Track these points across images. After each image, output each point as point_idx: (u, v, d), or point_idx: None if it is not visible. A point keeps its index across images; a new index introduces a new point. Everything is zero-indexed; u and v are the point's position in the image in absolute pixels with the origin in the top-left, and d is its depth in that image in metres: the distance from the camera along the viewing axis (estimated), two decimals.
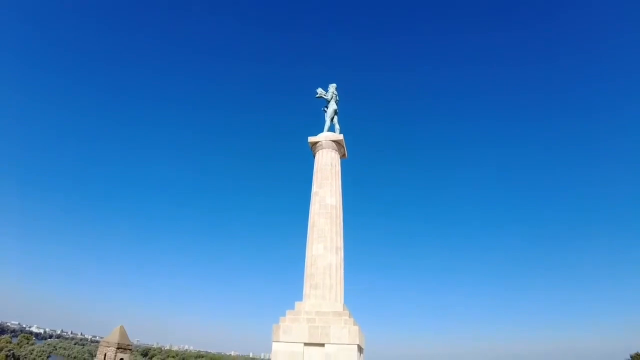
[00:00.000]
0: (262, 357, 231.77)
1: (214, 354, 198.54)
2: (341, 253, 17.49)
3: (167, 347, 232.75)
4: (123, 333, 27.04)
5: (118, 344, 26.21)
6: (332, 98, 21.04)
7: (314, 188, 18.73)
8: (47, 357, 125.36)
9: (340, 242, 17.61)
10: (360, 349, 15.42)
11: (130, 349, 27.30)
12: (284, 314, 16.23)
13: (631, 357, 48.62)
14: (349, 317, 15.71)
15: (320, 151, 19.57)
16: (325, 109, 21.05)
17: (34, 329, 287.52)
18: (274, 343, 15.29)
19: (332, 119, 20.76)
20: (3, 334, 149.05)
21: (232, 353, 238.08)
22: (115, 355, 26.16)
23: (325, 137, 19.76)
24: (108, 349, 26.35)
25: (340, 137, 19.81)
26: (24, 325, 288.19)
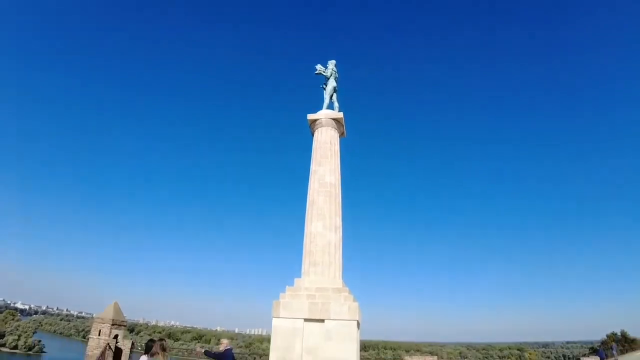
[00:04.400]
0: (247, 332, 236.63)
1: (200, 330, 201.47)
2: (340, 231, 17.72)
3: (154, 323, 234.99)
4: (117, 310, 27.11)
5: (112, 320, 26.26)
6: (331, 75, 20.77)
7: (313, 166, 18.74)
8: (33, 333, 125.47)
9: (339, 221, 17.80)
10: (358, 324, 15.87)
11: (124, 325, 27.45)
12: (283, 290, 16.49)
13: (607, 336, 51.60)
14: (349, 293, 16.08)
15: (319, 129, 19.48)
16: (324, 86, 20.80)
17: (19, 305, 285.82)
18: (273, 319, 15.58)
19: (331, 97, 20.55)
20: None
21: (218, 329, 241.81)
22: (110, 332, 26.25)
23: (324, 114, 19.63)
24: (102, 325, 26.40)
25: (340, 115, 19.71)
26: (8, 302, 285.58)
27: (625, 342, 48.87)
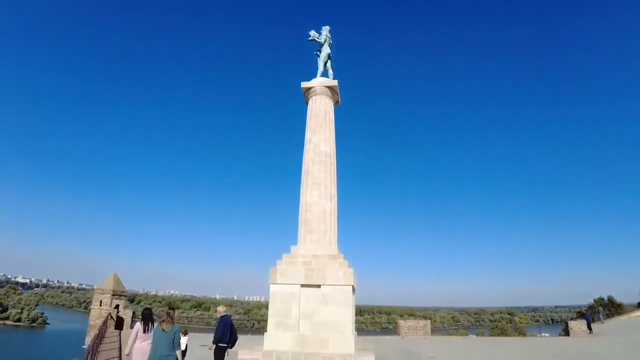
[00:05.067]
0: (246, 299, 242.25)
1: (199, 298, 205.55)
2: (335, 200, 17.82)
3: (153, 293, 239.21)
4: (117, 280, 27.54)
5: (113, 291, 26.75)
6: (325, 41, 20.22)
7: (308, 135, 18.59)
8: (35, 305, 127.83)
9: (334, 190, 17.87)
10: (353, 290, 16.24)
11: (125, 296, 27.98)
12: (280, 258, 16.74)
13: (594, 301, 53.28)
14: (344, 260, 16.37)
15: (313, 97, 19.20)
16: (318, 53, 20.28)
17: (20, 279, 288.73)
18: (271, 285, 15.89)
19: (325, 64, 20.09)
20: None
21: (217, 297, 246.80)
22: (111, 302, 26.77)
23: (319, 82, 19.28)
24: (103, 296, 26.90)
25: (335, 83, 19.37)
26: (9, 276, 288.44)
27: (611, 307, 50.56)
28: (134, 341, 9.08)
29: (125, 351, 9.22)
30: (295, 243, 17.40)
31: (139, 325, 9.30)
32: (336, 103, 20.15)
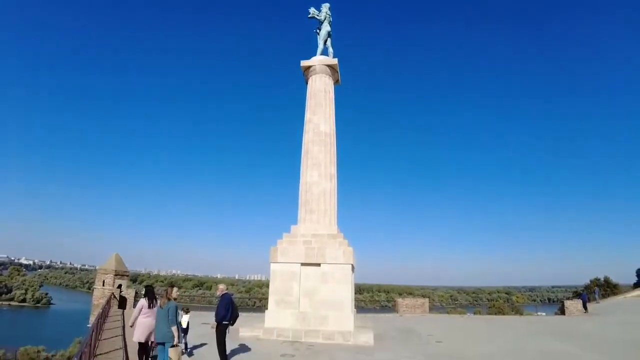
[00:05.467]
0: (247, 278, 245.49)
1: (200, 277, 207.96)
2: (335, 180, 17.84)
3: (155, 273, 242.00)
4: (119, 260, 27.81)
5: (115, 271, 27.02)
6: (325, 19, 19.82)
7: (307, 115, 18.47)
8: (40, 286, 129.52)
9: (333, 170, 17.87)
10: (353, 268, 16.43)
11: (127, 275, 28.28)
12: (281, 237, 16.88)
13: (590, 281, 53.94)
14: (344, 239, 16.52)
15: (313, 76, 18.98)
16: (318, 30, 19.93)
17: (23, 261, 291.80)
18: (272, 264, 16.07)
19: (325, 42, 19.76)
20: None
21: (219, 276, 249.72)
22: (113, 282, 27.08)
23: (318, 61, 19.03)
24: (106, 276, 27.18)
25: (335, 61, 19.11)
26: (12, 258, 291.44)
27: (607, 287, 51.24)
28: (138, 315, 9.33)
29: (129, 323, 9.45)
30: (296, 223, 17.51)
31: (143, 301, 9.53)
32: (336, 82, 19.94)
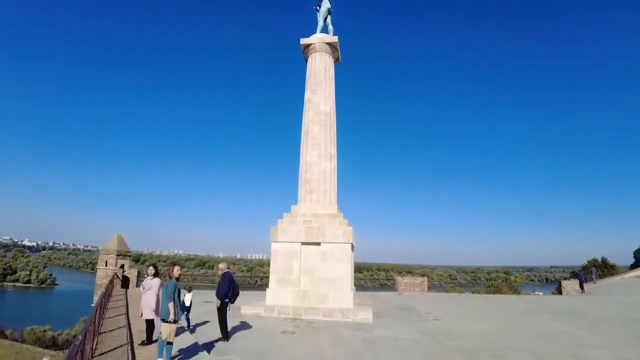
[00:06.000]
0: (248, 257, 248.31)
1: (202, 257, 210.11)
2: (335, 160, 17.80)
3: (158, 253, 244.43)
4: (121, 240, 28.05)
5: (117, 251, 27.29)
6: None
7: (307, 94, 18.28)
8: (44, 267, 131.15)
9: (333, 150, 17.81)
10: (352, 247, 16.57)
11: (129, 255, 28.57)
12: (281, 217, 16.97)
13: (588, 262, 54.41)
14: (343, 218, 16.61)
15: (313, 55, 18.69)
16: (318, 7, 19.48)
17: (26, 243, 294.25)
18: (272, 243, 16.21)
19: (325, 19, 19.35)
20: None
21: (220, 255, 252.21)
22: (116, 262, 27.37)
23: (318, 39, 18.71)
24: (108, 256, 27.47)
25: (335, 39, 18.78)
26: (15, 240, 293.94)
27: (604, 268, 51.76)
28: (143, 292, 9.52)
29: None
30: (296, 203, 17.57)
31: (147, 279, 9.68)
32: (336, 60, 19.66)
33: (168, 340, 7.74)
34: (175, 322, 7.96)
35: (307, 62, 19.16)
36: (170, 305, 7.87)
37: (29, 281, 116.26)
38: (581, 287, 29.69)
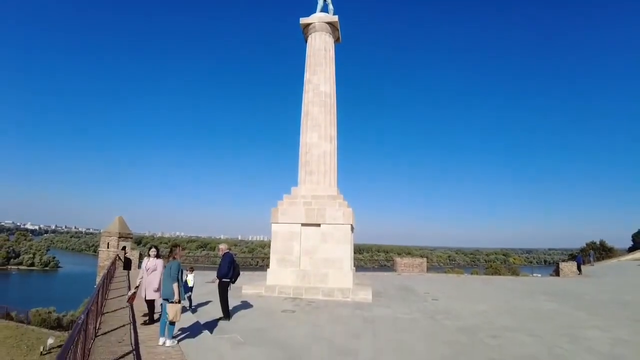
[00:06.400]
0: (249, 239, 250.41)
1: (204, 238, 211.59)
2: (335, 141, 17.73)
3: (159, 235, 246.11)
4: (122, 223, 28.19)
5: (119, 233, 27.44)
6: None
7: (307, 75, 18.07)
8: (47, 250, 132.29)
9: (333, 131, 17.71)
10: (352, 228, 16.65)
11: (131, 237, 28.74)
12: (281, 199, 17.00)
13: (586, 244, 54.74)
14: (343, 200, 16.64)
15: (312, 34, 18.39)
16: None
17: (29, 226, 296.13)
18: (273, 224, 16.30)
19: None
20: None
21: (222, 237, 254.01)
22: (117, 244, 27.55)
23: (318, 18, 18.37)
24: (110, 238, 27.64)
25: (335, 18, 18.45)
26: (18, 224, 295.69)
27: (603, 251, 52.18)
28: (144, 273, 9.60)
29: (136, 282, 9.72)
30: (296, 184, 17.57)
31: (147, 260, 9.76)
32: (337, 40, 19.35)
33: (174, 320, 7.80)
34: (179, 302, 8.02)
35: (306, 42, 18.87)
36: (175, 285, 7.92)
37: (32, 264, 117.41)
38: (579, 269, 29.97)
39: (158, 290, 9.08)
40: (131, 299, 9.48)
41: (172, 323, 7.86)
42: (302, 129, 17.72)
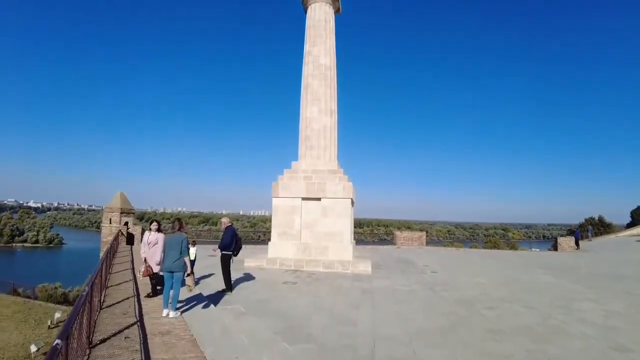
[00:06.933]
0: (251, 213, 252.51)
1: (206, 214, 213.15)
2: (335, 115, 17.55)
3: (161, 211, 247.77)
4: (124, 199, 28.34)
5: (121, 209, 27.64)
6: None
7: (307, 47, 17.69)
8: (50, 227, 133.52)
9: (334, 105, 17.51)
10: (352, 202, 16.71)
11: (133, 213, 28.95)
12: (282, 174, 17.01)
13: (585, 220, 55.08)
14: (343, 174, 16.64)
15: (312, 5, 17.89)
16: None
17: (31, 204, 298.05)
18: (274, 199, 16.37)
19: None
20: (2, 212, 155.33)
21: (223, 212, 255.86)
22: (120, 219, 27.78)
23: None
24: (112, 214, 27.85)
25: None
26: (20, 202, 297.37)
27: (601, 226, 52.61)
28: (145, 247, 9.71)
29: (141, 257, 9.85)
30: (296, 159, 17.53)
31: (148, 234, 9.85)
32: (337, 11, 18.86)
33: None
34: (191, 274, 8.67)
35: (306, 13, 18.40)
36: (187, 259, 8.24)
37: (36, 241, 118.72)
38: (577, 244, 30.27)
39: (159, 263, 9.21)
40: (146, 272, 9.65)
41: (177, 302, 8.07)
42: (302, 103, 17.52)
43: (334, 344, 6.55)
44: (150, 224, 10.43)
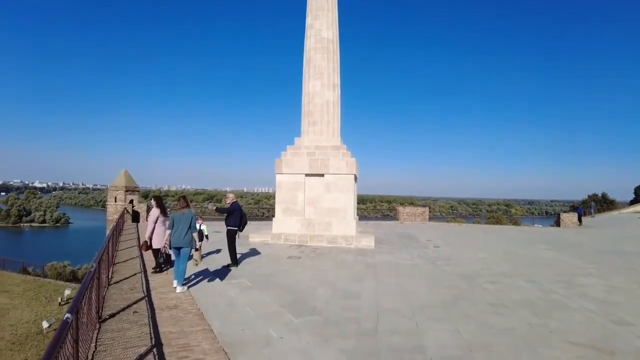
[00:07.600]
0: (255, 190, 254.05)
1: (210, 191, 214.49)
2: (338, 90, 17.29)
3: (166, 188, 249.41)
4: (128, 176, 28.44)
5: (125, 187, 27.75)
6: None
7: (309, 20, 17.26)
8: (56, 207, 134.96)
9: (337, 79, 17.22)
10: (355, 178, 16.70)
11: (137, 191, 29.10)
12: (285, 150, 16.94)
13: (588, 196, 54.96)
14: (346, 150, 16.55)
15: None
16: None
17: (37, 184, 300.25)
18: (277, 175, 16.38)
19: None
20: (9, 193, 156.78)
21: (227, 189, 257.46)
22: (125, 197, 27.95)
23: None
24: (117, 192, 27.99)
25: None
26: (26, 182, 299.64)
27: (604, 203, 52.55)
28: (153, 225, 9.76)
29: (145, 235, 9.88)
30: (299, 135, 17.41)
31: (156, 212, 9.89)
32: None
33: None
34: (197, 249, 9.22)
35: None
36: (195, 235, 8.44)
37: (44, 221, 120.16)
38: (579, 220, 30.31)
39: (166, 239, 9.29)
40: (144, 246, 9.82)
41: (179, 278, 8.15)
42: (304, 77, 17.25)
43: (338, 317, 6.67)
44: (151, 200, 10.59)
